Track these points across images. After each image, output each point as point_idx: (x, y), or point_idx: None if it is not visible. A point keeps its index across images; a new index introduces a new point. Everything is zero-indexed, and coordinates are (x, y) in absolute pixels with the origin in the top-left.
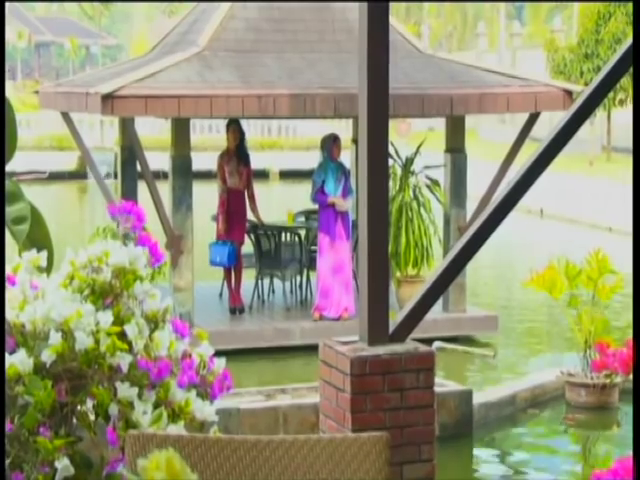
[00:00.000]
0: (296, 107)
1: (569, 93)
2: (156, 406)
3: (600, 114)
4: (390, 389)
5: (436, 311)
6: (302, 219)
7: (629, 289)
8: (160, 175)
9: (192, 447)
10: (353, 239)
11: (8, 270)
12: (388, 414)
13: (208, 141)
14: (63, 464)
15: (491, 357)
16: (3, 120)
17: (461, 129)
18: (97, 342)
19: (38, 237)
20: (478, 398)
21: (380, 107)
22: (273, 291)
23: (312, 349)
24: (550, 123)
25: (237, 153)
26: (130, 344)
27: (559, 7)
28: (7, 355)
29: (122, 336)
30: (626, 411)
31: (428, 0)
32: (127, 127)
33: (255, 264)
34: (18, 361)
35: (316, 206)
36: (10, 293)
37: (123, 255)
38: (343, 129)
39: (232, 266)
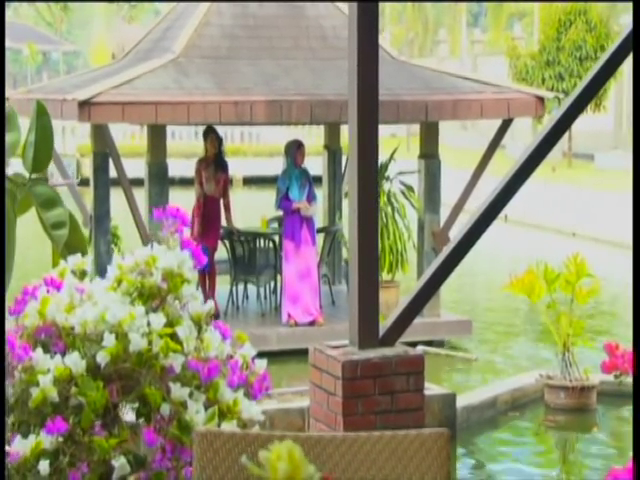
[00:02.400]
0: (272, 113)
1: (541, 99)
2: (205, 406)
3: None
4: (381, 392)
5: None
6: (275, 225)
7: (605, 293)
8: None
9: (259, 444)
10: (325, 245)
11: (54, 274)
12: (379, 417)
13: (171, 148)
14: (120, 462)
15: (473, 360)
16: (3, 120)
17: (435, 135)
18: (150, 343)
19: (74, 242)
20: (460, 401)
21: (370, 112)
22: (247, 297)
23: (286, 354)
24: (512, 130)
25: (215, 160)
26: (181, 345)
27: (518, 14)
28: (59, 357)
29: (172, 337)
30: (603, 412)
31: (406, 0)
32: (102, 134)
33: (229, 270)
34: (71, 363)
35: None
36: (56, 297)
37: (172, 259)
38: (306, 135)
39: (206, 272)
